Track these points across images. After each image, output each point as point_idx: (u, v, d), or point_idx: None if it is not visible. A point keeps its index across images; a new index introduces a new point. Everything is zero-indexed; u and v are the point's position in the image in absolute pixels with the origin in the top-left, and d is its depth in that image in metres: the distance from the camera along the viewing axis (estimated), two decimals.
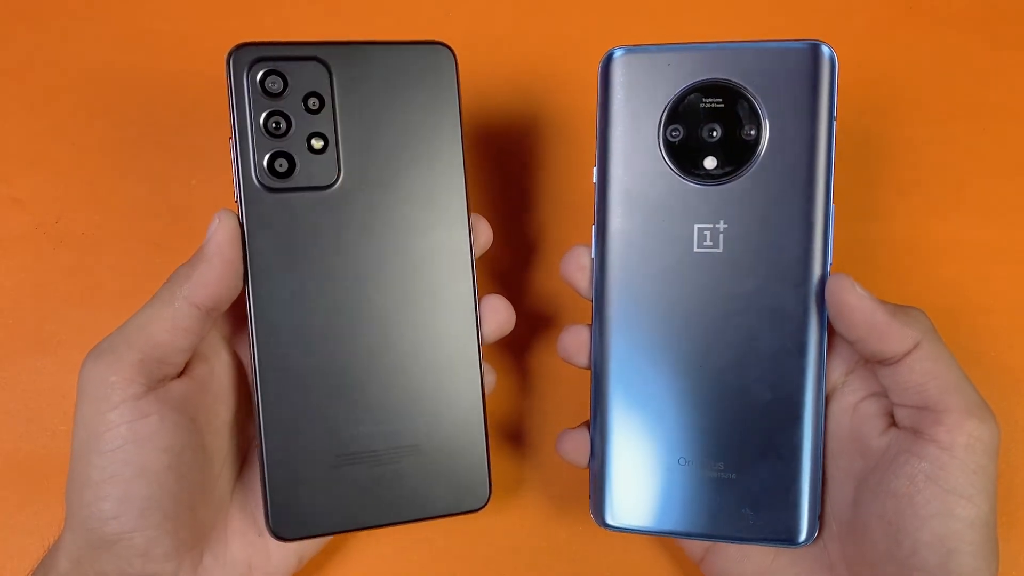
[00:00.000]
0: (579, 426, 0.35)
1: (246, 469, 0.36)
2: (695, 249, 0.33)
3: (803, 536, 0.33)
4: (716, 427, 0.33)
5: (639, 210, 0.33)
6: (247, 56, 0.33)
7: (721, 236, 0.33)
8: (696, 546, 0.37)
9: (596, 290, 0.34)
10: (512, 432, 0.42)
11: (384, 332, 0.34)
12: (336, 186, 0.34)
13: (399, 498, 0.34)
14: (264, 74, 0.33)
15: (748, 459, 0.33)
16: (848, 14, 0.44)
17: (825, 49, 0.32)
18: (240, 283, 0.33)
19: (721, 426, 0.33)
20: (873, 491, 0.32)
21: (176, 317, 0.32)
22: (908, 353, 0.31)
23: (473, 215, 0.35)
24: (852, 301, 0.31)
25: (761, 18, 0.44)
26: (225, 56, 0.33)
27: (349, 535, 0.40)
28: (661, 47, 0.33)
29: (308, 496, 0.34)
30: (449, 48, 0.34)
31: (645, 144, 0.33)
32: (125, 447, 0.31)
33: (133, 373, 0.31)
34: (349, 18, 0.45)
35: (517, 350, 0.43)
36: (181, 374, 0.34)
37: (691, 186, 0.33)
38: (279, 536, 0.34)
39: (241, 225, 0.33)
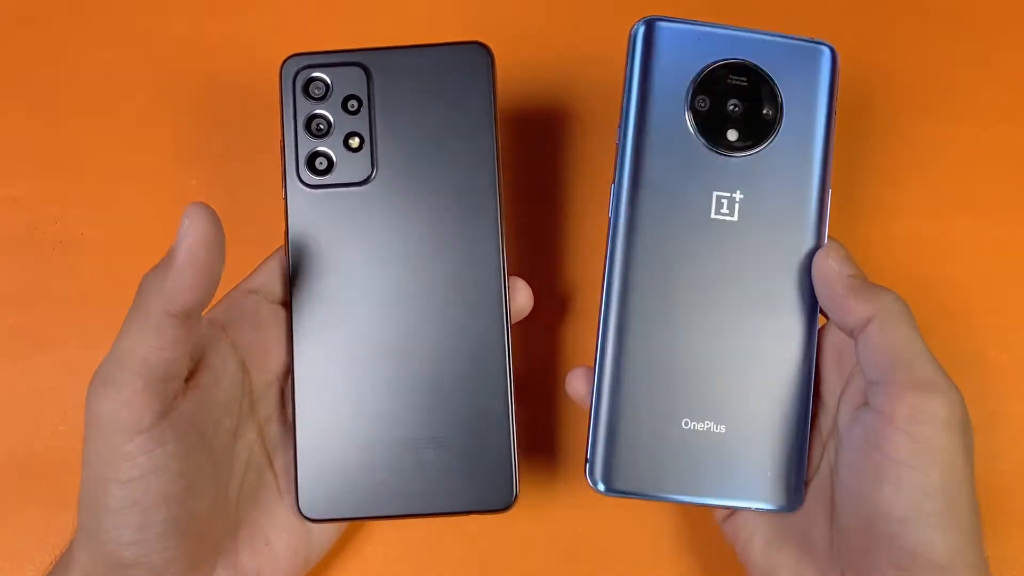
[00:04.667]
0: (584, 366, 0.35)
1: (250, 476, 0.36)
2: (712, 215, 0.35)
3: (792, 501, 0.34)
4: (723, 390, 0.34)
5: (662, 170, 0.35)
6: (294, 65, 0.36)
7: (737, 206, 0.35)
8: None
9: (610, 245, 0.35)
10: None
11: (414, 324, 0.35)
12: (371, 182, 0.35)
13: (422, 490, 0.35)
14: (308, 80, 0.35)
15: (751, 423, 0.34)
16: (849, 13, 0.44)
17: (830, 50, 0.35)
18: (216, 283, 0.32)
19: (728, 389, 0.34)
20: (838, 467, 0.33)
21: (160, 331, 0.31)
22: (863, 328, 0.32)
23: (513, 277, 0.36)
24: (821, 267, 0.34)
25: (757, 14, 0.44)
26: (279, 67, 0.36)
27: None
28: (695, 23, 0.35)
29: (334, 481, 0.35)
30: (485, 47, 0.35)
31: (673, 109, 0.35)
32: (144, 477, 0.30)
33: (143, 402, 0.30)
34: (346, 12, 0.45)
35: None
36: (187, 382, 0.33)
37: (713, 155, 0.35)
38: (306, 516, 0.35)
39: (285, 220, 0.35)
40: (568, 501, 0.41)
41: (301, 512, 0.35)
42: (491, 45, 0.36)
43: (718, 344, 0.34)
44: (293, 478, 0.35)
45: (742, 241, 0.35)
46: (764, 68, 0.35)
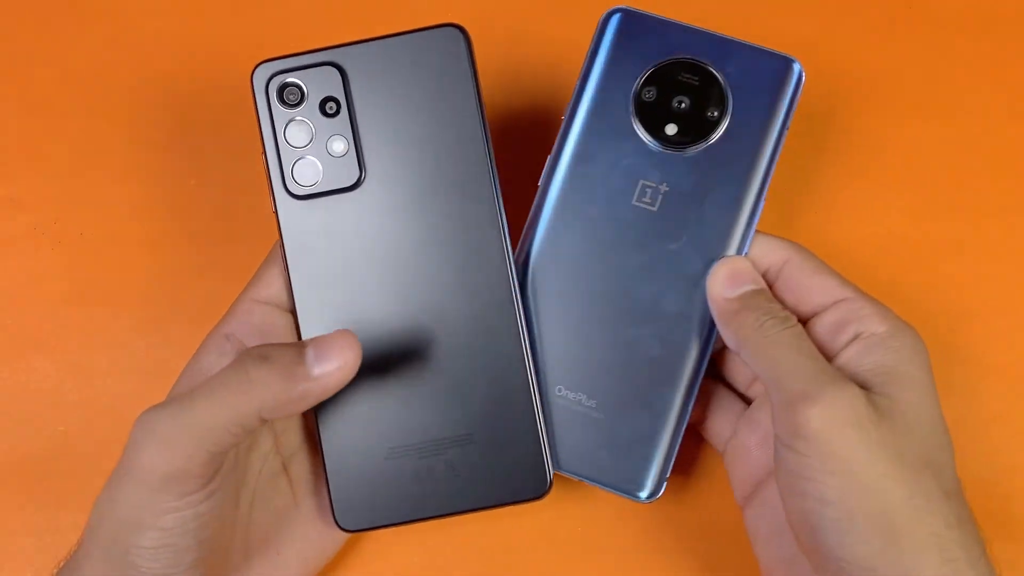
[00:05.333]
0: None
1: (262, 486, 0.36)
2: (633, 201, 0.35)
3: (645, 492, 0.35)
4: (602, 367, 0.35)
5: (595, 149, 0.36)
6: (265, 72, 0.34)
7: (660, 197, 0.35)
8: (742, 487, 0.37)
9: (532, 212, 0.36)
10: None
11: (427, 323, 0.34)
12: (362, 186, 0.34)
13: (456, 488, 0.34)
14: (282, 87, 0.34)
15: (620, 405, 0.35)
16: (847, 14, 0.44)
17: (796, 66, 0.35)
18: None
19: (607, 367, 0.35)
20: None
21: (246, 425, 0.30)
22: (740, 354, 0.33)
23: None
24: (707, 287, 0.34)
25: (761, 16, 0.44)
26: (248, 76, 0.34)
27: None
28: (661, 18, 0.36)
29: (367, 490, 0.35)
30: (460, 28, 0.34)
31: (620, 96, 0.36)
32: (185, 523, 0.30)
33: (201, 472, 0.30)
34: (352, 7, 0.45)
35: None
36: None
37: (648, 145, 0.35)
38: (345, 528, 0.35)
39: (280, 235, 0.34)
40: (569, 500, 0.41)
41: (339, 525, 0.35)
42: (486, 29, 0.35)
43: (609, 323, 0.35)
44: (326, 492, 0.35)
45: (656, 233, 0.35)
46: (719, 71, 0.35)
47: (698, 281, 0.35)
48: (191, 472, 0.30)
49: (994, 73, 0.43)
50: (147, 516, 0.30)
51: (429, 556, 0.41)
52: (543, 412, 0.35)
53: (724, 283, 0.34)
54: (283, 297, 0.35)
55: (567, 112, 0.36)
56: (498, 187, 0.35)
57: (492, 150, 0.35)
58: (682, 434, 0.36)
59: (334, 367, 0.30)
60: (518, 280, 0.35)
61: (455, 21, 0.35)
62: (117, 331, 0.42)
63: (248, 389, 0.30)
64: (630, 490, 0.35)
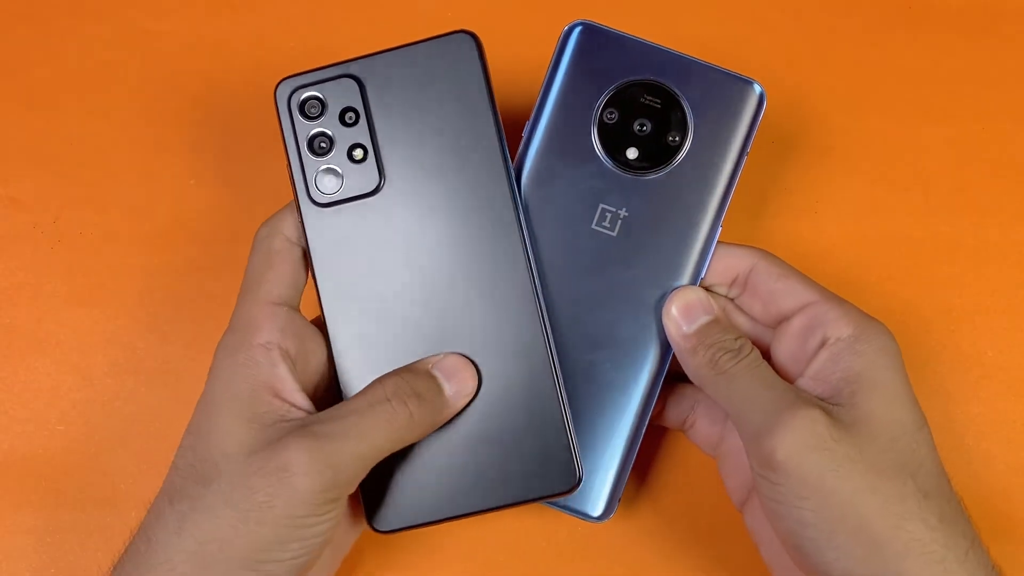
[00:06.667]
0: None
1: None
2: (592, 226, 0.35)
3: (597, 512, 0.36)
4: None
5: (556, 172, 0.36)
6: (287, 88, 0.36)
7: (620, 222, 0.35)
8: (737, 493, 0.37)
9: None
10: None
11: (452, 323, 0.35)
12: (381, 191, 0.35)
13: (487, 485, 0.35)
14: (303, 100, 0.35)
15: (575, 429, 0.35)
16: (845, 15, 0.44)
17: (757, 89, 0.35)
18: None
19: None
20: None
21: (391, 452, 0.33)
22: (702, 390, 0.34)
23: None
24: (664, 321, 0.35)
25: (760, 15, 0.44)
26: (272, 92, 0.35)
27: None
28: (624, 34, 0.35)
29: (399, 491, 0.35)
30: (471, 35, 0.35)
31: (581, 116, 0.36)
32: (323, 535, 0.32)
33: (351, 488, 0.33)
34: (347, 9, 0.45)
35: None
36: None
37: (608, 168, 0.35)
38: (378, 530, 0.35)
39: (306, 242, 0.35)
40: None
41: (373, 527, 0.35)
42: (496, 34, 0.35)
43: (564, 348, 0.35)
44: (360, 495, 0.35)
45: (614, 258, 0.35)
46: (682, 94, 0.35)
47: (653, 308, 0.35)
48: (347, 492, 0.32)
49: (994, 73, 0.43)
50: (294, 531, 0.31)
51: (429, 556, 0.41)
52: (568, 407, 0.35)
53: (679, 319, 0.34)
54: (290, 295, 0.35)
55: (527, 129, 0.36)
56: (515, 187, 0.35)
57: (507, 151, 0.35)
58: (634, 457, 0.36)
59: (467, 392, 0.34)
60: (538, 277, 0.35)
61: (462, 25, 0.35)
62: (117, 331, 0.42)
63: (411, 424, 0.33)
64: (583, 511, 0.36)
